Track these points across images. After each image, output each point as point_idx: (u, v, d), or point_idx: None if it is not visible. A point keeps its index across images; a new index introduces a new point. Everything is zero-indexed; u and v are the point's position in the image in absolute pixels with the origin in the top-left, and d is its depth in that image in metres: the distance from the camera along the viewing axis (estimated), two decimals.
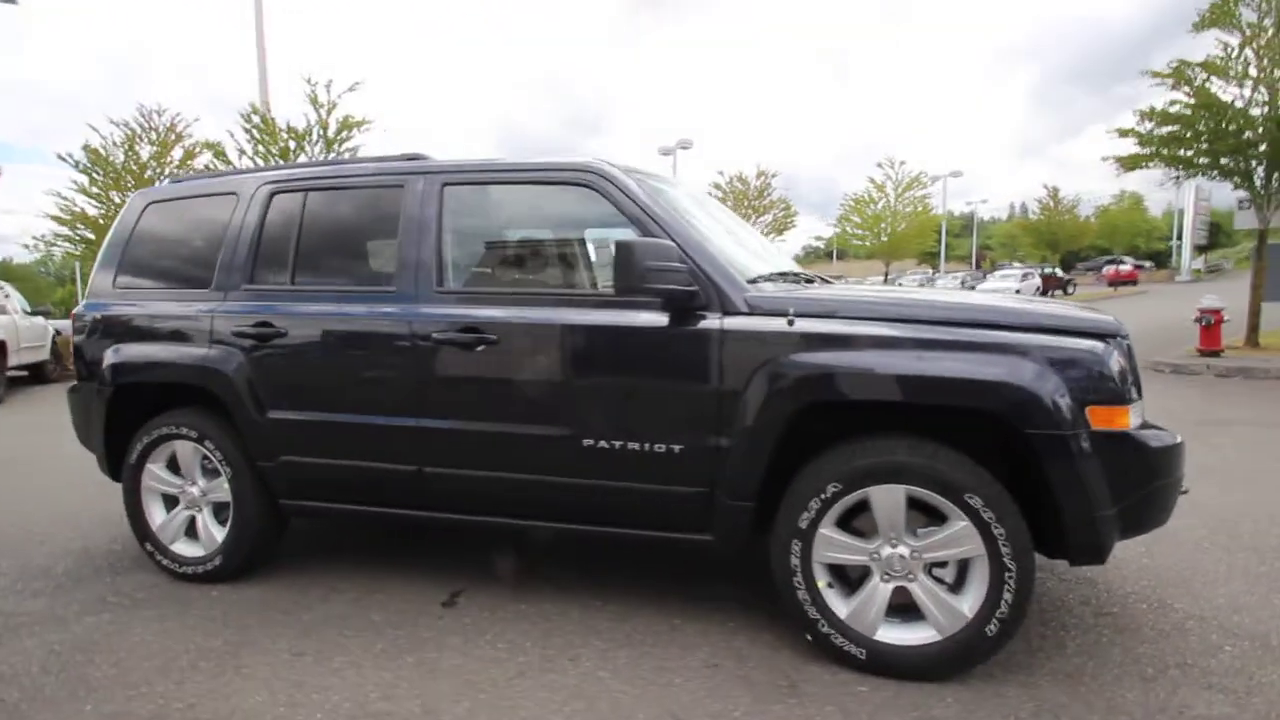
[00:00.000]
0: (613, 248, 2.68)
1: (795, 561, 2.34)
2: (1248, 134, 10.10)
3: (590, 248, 3.35)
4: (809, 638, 2.38)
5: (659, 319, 2.48)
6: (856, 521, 2.35)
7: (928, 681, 2.25)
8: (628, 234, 2.60)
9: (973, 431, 2.32)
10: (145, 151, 14.63)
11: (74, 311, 3.52)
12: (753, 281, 2.56)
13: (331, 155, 13.56)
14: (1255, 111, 10.02)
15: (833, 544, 2.32)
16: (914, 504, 2.26)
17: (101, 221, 14.32)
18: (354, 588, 3.05)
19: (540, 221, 3.31)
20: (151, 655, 2.53)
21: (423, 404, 2.77)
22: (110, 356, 3.21)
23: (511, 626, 2.69)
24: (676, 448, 2.47)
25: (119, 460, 3.27)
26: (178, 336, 3.14)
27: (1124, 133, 10.94)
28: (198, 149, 14.77)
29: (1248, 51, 10.05)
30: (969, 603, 2.22)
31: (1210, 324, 9.94)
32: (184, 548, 3.18)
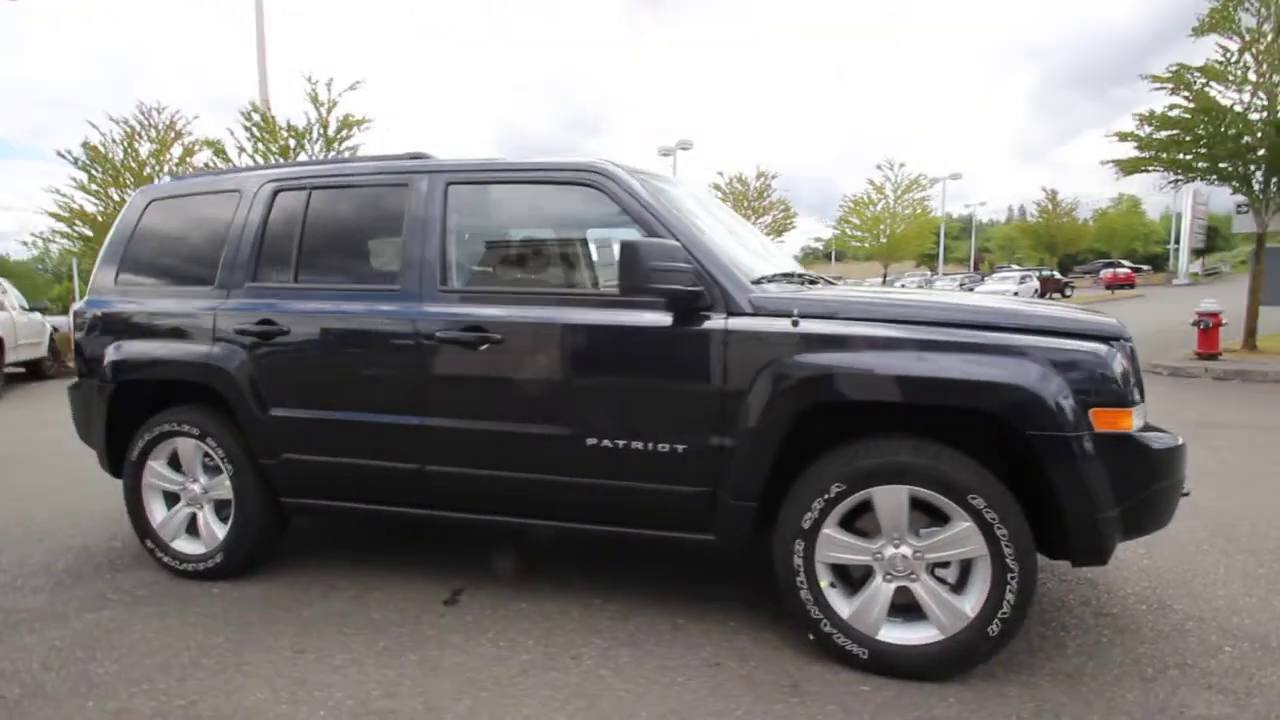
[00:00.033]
0: (615, 247, 2.68)
1: (798, 561, 2.34)
2: (1246, 139, 10.14)
3: (592, 247, 3.35)
4: (811, 637, 2.39)
5: (664, 319, 2.48)
6: (859, 522, 2.35)
7: (929, 681, 2.25)
8: (631, 234, 2.60)
9: (977, 433, 2.32)
10: (144, 149, 14.63)
11: (75, 308, 3.51)
12: (757, 282, 2.56)
13: (331, 154, 13.56)
14: (1254, 116, 10.06)
15: (836, 544, 2.33)
16: (917, 504, 2.26)
17: (100, 219, 14.31)
18: (354, 586, 3.05)
19: (544, 221, 3.32)
20: (153, 652, 2.52)
21: (426, 403, 2.77)
22: (112, 353, 3.21)
23: (513, 625, 2.69)
24: (680, 448, 2.48)
25: (120, 457, 3.26)
26: (180, 334, 3.14)
27: (1123, 136, 10.98)
28: (197, 146, 14.78)
29: (1247, 57, 10.08)
30: (971, 603, 2.23)
31: (1208, 327, 9.97)
32: (185, 545, 3.18)
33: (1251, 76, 10.09)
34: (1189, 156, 10.82)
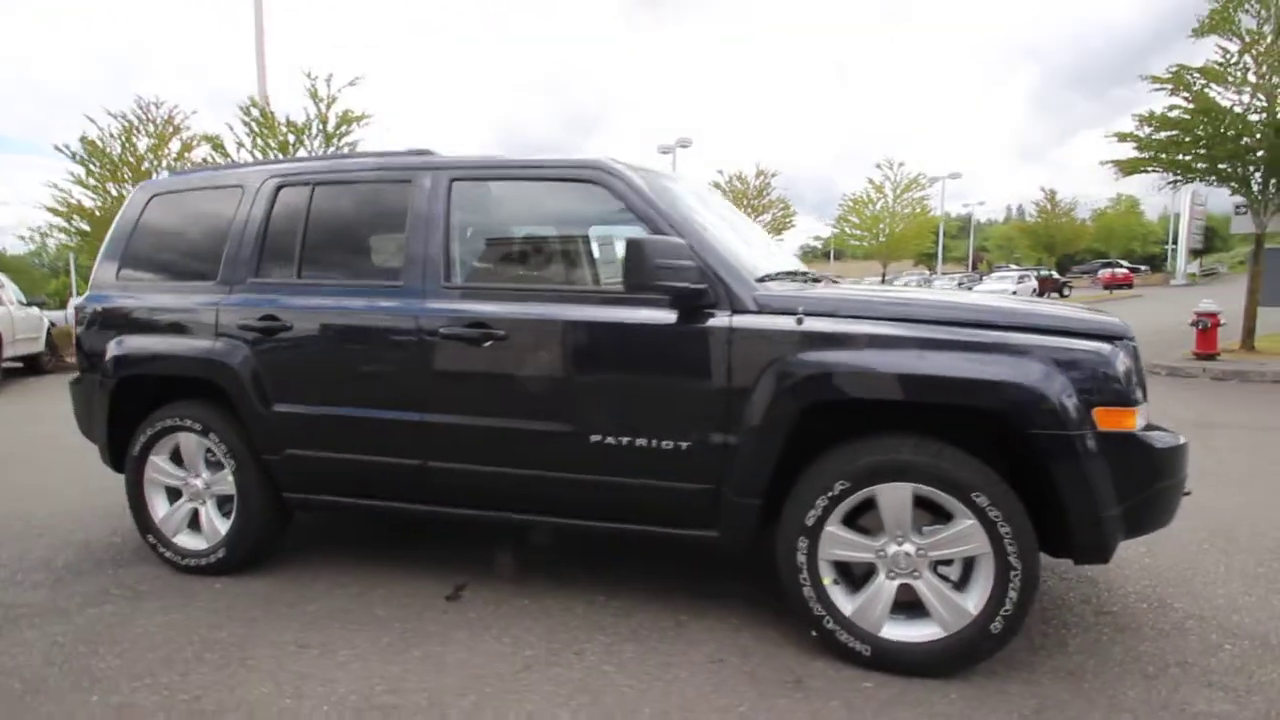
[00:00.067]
0: (617, 245, 2.68)
1: (801, 558, 2.35)
2: (1246, 140, 10.16)
3: (593, 245, 3.35)
4: (814, 634, 2.39)
5: (668, 316, 2.48)
6: (862, 519, 2.36)
7: (932, 678, 2.26)
8: (635, 231, 2.60)
9: (980, 431, 2.33)
10: (143, 143, 14.59)
11: (76, 303, 3.50)
12: (760, 280, 2.56)
13: (331, 149, 13.53)
14: (1253, 118, 10.07)
15: (839, 541, 2.34)
16: (920, 502, 2.27)
17: (98, 213, 14.28)
18: (358, 581, 3.05)
19: (548, 218, 3.31)
20: (156, 647, 2.52)
21: (429, 399, 2.77)
22: (114, 349, 3.20)
23: (516, 621, 2.69)
24: (683, 444, 2.48)
25: (121, 452, 3.26)
26: (182, 329, 3.13)
27: (1123, 137, 11.00)
28: (196, 141, 14.74)
29: (1247, 58, 10.09)
30: (974, 600, 2.24)
31: (1206, 327, 9.99)
32: (187, 540, 3.18)
33: (1251, 78, 10.11)
34: (1188, 157, 10.84)
